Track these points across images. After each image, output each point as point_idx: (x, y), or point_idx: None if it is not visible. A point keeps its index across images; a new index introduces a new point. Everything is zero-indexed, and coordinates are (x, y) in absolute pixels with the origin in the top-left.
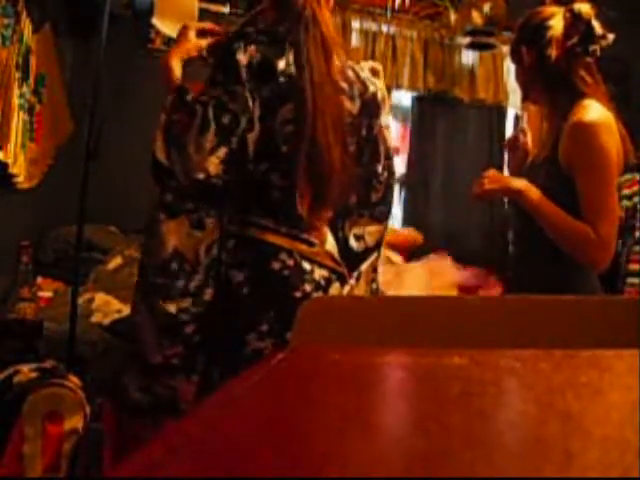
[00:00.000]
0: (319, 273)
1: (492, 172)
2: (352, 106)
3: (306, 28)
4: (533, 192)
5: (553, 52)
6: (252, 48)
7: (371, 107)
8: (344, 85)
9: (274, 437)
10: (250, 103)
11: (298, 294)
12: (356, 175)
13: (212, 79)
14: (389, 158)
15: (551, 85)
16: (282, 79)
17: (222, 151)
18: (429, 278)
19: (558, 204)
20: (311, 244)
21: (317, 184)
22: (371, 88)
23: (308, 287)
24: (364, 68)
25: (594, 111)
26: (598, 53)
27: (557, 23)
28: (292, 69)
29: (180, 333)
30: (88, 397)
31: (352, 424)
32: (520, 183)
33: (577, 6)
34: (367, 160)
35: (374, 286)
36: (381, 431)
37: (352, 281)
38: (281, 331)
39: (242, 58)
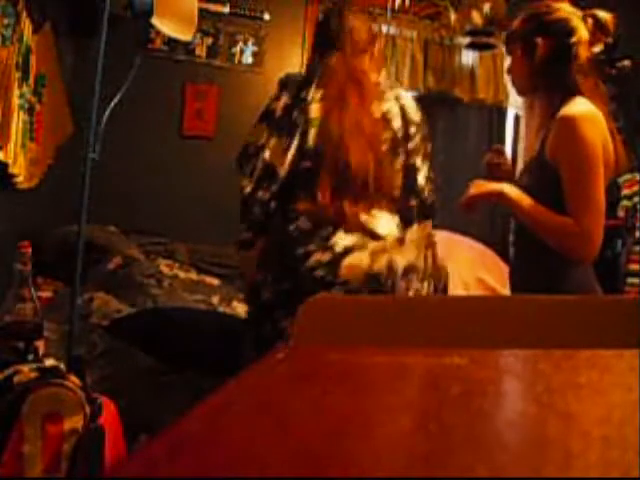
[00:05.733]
0: (340, 237)
1: (477, 181)
2: (387, 133)
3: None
4: (513, 191)
5: (584, 53)
6: (285, 97)
7: (404, 133)
8: (376, 111)
9: (274, 437)
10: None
11: (300, 251)
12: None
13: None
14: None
15: (552, 82)
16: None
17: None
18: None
19: (545, 199)
20: (339, 217)
21: (338, 183)
22: (413, 118)
23: (312, 247)
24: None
25: (579, 105)
26: (627, 70)
27: (580, 25)
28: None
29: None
30: (88, 397)
31: (352, 424)
32: (500, 185)
33: (602, 15)
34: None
35: (428, 253)
36: (381, 431)
37: (382, 242)
38: (281, 281)
39: (276, 106)
